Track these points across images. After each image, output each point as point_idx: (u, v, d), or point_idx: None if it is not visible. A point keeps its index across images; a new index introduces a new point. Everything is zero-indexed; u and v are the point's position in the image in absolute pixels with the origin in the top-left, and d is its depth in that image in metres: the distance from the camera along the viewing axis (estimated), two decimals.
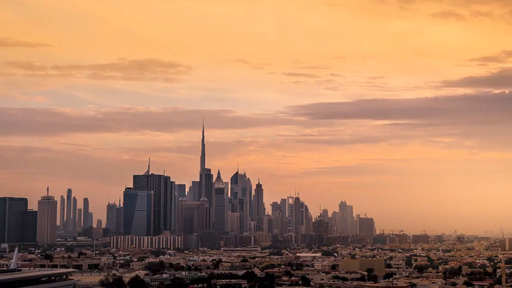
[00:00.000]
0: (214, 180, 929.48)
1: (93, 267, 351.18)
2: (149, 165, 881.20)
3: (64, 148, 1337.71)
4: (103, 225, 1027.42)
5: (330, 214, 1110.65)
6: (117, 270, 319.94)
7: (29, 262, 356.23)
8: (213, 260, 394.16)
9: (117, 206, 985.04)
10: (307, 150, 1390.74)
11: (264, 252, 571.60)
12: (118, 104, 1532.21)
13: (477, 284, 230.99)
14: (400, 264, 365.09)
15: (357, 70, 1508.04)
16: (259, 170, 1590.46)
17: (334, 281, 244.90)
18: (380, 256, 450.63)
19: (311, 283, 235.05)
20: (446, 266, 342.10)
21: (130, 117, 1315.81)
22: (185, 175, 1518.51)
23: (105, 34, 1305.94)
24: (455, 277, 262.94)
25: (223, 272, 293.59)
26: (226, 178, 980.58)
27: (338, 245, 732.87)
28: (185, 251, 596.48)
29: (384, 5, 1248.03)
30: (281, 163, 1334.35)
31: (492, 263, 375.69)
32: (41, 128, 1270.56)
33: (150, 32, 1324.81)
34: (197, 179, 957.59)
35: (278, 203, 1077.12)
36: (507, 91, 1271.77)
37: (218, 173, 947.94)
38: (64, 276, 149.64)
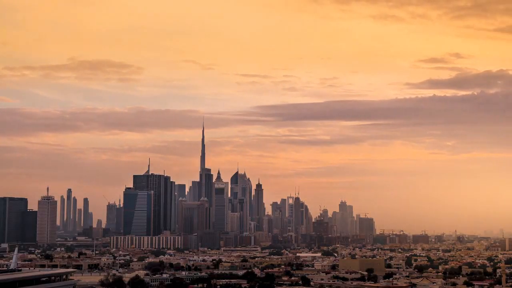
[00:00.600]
0: (214, 180, 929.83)
1: (93, 267, 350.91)
2: (149, 165, 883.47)
3: (38, 148, 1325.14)
4: (103, 225, 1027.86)
5: (330, 214, 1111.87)
6: (117, 270, 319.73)
7: (29, 262, 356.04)
8: (213, 260, 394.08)
9: (117, 206, 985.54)
10: (283, 150, 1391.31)
11: (264, 252, 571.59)
12: (82, 104, 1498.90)
13: (477, 284, 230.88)
14: (400, 264, 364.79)
15: (311, 71, 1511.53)
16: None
17: (334, 281, 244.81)
18: (380, 256, 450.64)
19: (311, 283, 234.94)
20: (446, 266, 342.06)
21: (96, 117, 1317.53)
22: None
23: (54, 34, 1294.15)
24: (455, 277, 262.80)
25: (223, 272, 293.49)
26: (226, 178, 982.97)
27: (338, 245, 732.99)
28: (185, 251, 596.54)
29: (321, 6, 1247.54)
30: (262, 163, 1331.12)
31: (492, 263, 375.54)
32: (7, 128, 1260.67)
33: (97, 32, 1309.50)
34: (197, 179, 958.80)
35: (278, 203, 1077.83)
36: (474, 93, 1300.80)
37: (218, 173, 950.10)
38: (64, 276, 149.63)
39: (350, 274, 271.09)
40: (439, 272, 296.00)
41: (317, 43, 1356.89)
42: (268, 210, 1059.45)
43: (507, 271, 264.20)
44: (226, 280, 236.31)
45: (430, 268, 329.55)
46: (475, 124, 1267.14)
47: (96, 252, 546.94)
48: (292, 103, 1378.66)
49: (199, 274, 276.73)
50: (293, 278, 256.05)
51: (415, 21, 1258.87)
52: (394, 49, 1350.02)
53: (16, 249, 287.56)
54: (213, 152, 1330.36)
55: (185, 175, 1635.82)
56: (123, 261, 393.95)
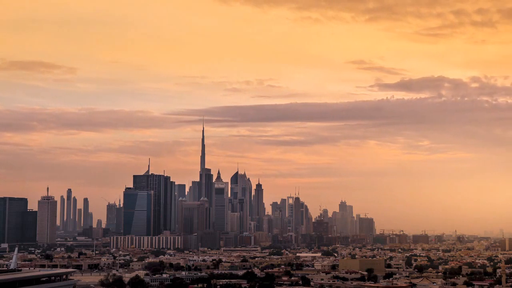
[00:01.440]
0: (214, 180, 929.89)
1: (93, 267, 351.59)
2: (149, 166, 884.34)
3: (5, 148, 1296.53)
4: (103, 225, 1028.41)
5: (330, 214, 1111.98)
6: (117, 270, 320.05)
7: (29, 262, 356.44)
8: (213, 260, 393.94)
9: (117, 206, 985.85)
10: (251, 150, 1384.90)
11: (264, 252, 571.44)
12: (28, 104, 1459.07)
13: (477, 284, 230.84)
14: (400, 264, 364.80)
15: (248, 71, 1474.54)
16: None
17: (334, 281, 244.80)
18: (380, 256, 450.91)
19: (311, 283, 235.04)
20: (446, 266, 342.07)
21: (50, 117, 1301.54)
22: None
23: None
24: (455, 277, 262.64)
25: (223, 272, 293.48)
26: (226, 178, 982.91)
27: (338, 245, 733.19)
28: (185, 251, 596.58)
29: (238, 7, 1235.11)
30: (235, 163, 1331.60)
31: (492, 263, 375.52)
32: None
33: (23, 32, 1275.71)
34: (197, 179, 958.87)
35: (278, 203, 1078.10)
36: (424, 96, 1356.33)
37: (218, 173, 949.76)
38: (64, 276, 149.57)
39: (350, 274, 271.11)
40: (439, 272, 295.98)
41: (248, 44, 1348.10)
42: (268, 210, 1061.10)
43: (507, 271, 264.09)
44: (226, 280, 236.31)
45: (430, 268, 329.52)
46: (443, 125, 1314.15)
47: (96, 252, 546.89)
48: (247, 105, 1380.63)
49: (199, 274, 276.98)
50: (293, 278, 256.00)
51: (332, 23, 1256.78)
52: (321, 50, 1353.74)
53: (16, 249, 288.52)
54: (182, 152, 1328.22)
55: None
56: (123, 261, 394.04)
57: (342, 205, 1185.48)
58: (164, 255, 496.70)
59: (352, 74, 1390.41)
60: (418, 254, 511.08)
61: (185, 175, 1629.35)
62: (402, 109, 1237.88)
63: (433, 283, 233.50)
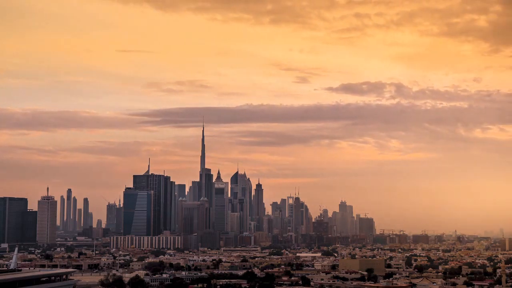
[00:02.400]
0: (214, 180, 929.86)
1: (93, 267, 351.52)
2: (149, 165, 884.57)
3: None
4: (103, 225, 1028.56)
5: (330, 214, 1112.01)
6: (117, 270, 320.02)
7: (29, 262, 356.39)
8: (213, 260, 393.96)
9: (117, 206, 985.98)
10: (215, 150, 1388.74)
11: (264, 252, 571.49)
12: None
13: (477, 284, 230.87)
14: (400, 264, 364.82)
15: (176, 72, 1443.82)
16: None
17: (334, 281, 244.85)
18: (380, 256, 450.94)
19: (311, 283, 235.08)
20: (446, 266, 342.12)
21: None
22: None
23: None
24: (455, 277, 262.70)
25: (223, 272, 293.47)
26: (226, 178, 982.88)
27: (338, 245, 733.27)
28: (185, 251, 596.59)
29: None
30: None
31: (492, 263, 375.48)
32: None
33: None
34: (196, 179, 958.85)
35: (278, 203, 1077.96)
36: (374, 98, 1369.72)
37: (218, 173, 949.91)
38: (64, 276, 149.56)
39: (350, 274, 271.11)
40: (439, 272, 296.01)
41: (170, 44, 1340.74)
42: (268, 210, 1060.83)
43: (507, 271, 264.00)
44: (226, 280, 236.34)
45: (430, 268, 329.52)
46: (405, 125, 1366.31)
47: (96, 252, 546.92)
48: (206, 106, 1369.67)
49: (199, 274, 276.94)
50: (293, 278, 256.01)
51: (239, 25, 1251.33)
52: (245, 50, 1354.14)
53: (16, 249, 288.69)
54: (147, 152, 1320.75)
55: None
56: (123, 261, 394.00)
57: (342, 205, 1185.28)
58: (164, 255, 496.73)
59: (279, 75, 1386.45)
60: (418, 254, 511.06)
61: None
62: (363, 111, 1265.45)
63: (433, 283, 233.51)
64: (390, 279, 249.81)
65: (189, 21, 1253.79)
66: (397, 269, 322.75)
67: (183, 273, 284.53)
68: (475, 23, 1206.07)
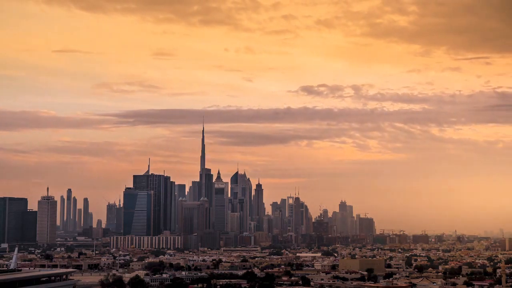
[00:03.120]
0: (214, 180, 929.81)
1: (93, 267, 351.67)
2: (149, 165, 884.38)
3: None
4: (103, 225, 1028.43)
5: (330, 214, 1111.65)
6: (117, 270, 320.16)
7: (29, 262, 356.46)
8: (213, 260, 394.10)
9: (117, 206, 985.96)
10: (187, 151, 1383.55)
11: (264, 252, 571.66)
12: None
13: (477, 284, 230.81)
14: (400, 264, 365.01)
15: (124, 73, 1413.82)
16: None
17: (334, 281, 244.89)
18: (380, 256, 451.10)
19: (311, 283, 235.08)
20: (446, 266, 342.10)
21: None
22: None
23: None
24: (455, 277, 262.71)
25: (223, 272, 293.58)
26: (226, 178, 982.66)
27: (338, 245, 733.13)
28: (185, 251, 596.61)
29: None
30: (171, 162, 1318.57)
31: (492, 263, 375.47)
32: None
33: None
34: (197, 179, 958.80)
35: (278, 203, 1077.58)
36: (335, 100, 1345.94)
37: (218, 173, 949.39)
38: (64, 276, 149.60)
39: (350, 274, 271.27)
40: (439, 272, 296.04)
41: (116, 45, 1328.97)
42: (268, 210, 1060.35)
43: (507, 271, 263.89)
44: (226, 280, 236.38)
45: (430, 268, 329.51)
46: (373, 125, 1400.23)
47: (96, 252, 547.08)
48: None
49: (199, 274, 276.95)
50: (293, 278, 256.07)
51: (172, 26, 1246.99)
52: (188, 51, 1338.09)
53: (16, 249, 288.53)
54: (121, 152, 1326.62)
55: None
56: (123, 261, 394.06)
57: (342, 205, 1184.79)
58: (164, 255, 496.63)
59: (225, 75, 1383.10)
60: (418, 254, 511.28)
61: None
62: (332, 113, 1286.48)
63: (433, 283, 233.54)
64: (390, 279, 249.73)
65: (120, 22, 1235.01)
66: (397, 269, 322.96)
67: (183, 273, 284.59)
68: (397, 24, 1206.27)
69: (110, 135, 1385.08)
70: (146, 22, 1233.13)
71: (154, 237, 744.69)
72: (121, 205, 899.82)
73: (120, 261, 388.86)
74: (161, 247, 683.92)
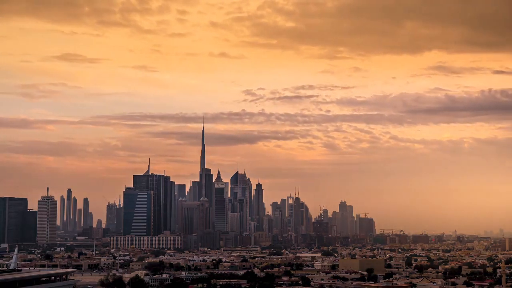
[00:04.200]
0: (214, 180, 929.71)
1: (93, 267, 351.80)
2: (149, 165, 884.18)
3: None
4: (103, 225, 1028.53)
5: (330, 214, 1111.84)
6: (117, 270, 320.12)
7: (29, 262, 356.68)
8: (213, 260, 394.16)
9: (117, 206, 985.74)
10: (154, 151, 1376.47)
11: (264, 252, 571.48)
12: None
13: (477, 284, 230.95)
14: (400, 264, 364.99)
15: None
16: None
17: (334, 281, 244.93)
18: (380, 256, 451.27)
19: (311, 283, 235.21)
20: (446, 266, 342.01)
21: None
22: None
23: None
24: (455, 277, 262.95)
25: (223, 272, 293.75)
26: (225, 178, 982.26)
27: (338, 245, 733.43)
28: (185, 251, 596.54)
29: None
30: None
31: (492, 263, 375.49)
32: None
33: None
34: (197, 179, 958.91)
35: (278, 203, 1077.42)
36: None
37: (218, 173, 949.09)
38: (64, 276, 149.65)
39: (350, 274, 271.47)
40: (439, 272, 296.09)
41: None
42: (268, 210, 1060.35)
43: (507, 271, 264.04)
44: (226, 280, 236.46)
45: (430, 268, 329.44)
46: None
47: (96, 252, 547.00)
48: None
49: (199, 274, 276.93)
50: (293, 278, 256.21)
51: (73, 28, 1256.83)
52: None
53: (16, 249, 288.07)
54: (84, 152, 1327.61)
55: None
56: (123, 261, 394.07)
57: (342, 205, 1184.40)
58: (164, 255, 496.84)
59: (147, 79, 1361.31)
60: (418, 254, 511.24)
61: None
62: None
63: (433, 283, 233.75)
64: (390, 279, 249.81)
65: (17, 26, 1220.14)
66: (397, 269, 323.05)
67: (183, 273, 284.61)
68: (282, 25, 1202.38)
69: (77, 135, 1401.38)
70: (48, 24, 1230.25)
71: (154, 237, 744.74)
72: (121, 205, 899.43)
73: (120, 261, 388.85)
74: (161, 247, 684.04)
